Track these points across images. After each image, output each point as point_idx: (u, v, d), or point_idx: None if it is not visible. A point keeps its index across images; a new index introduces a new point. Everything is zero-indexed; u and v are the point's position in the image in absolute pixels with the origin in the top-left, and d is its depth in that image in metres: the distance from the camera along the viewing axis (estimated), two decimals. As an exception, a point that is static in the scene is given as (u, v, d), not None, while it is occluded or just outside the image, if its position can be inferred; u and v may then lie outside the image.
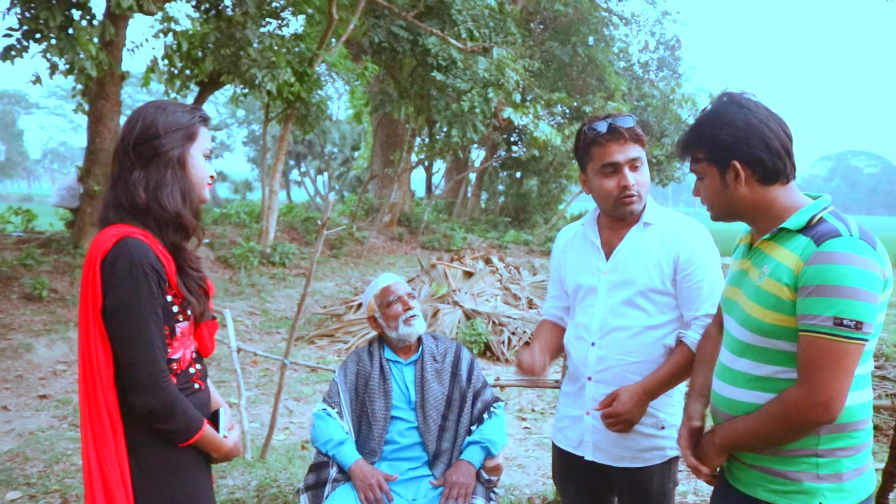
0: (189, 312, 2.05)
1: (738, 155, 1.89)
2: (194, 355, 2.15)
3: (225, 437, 2.18)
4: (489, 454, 3.16)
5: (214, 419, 2.20)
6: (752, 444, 1.92)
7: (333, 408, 3.21)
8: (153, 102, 2.08)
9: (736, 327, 1.98)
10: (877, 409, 5.25)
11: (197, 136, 2.08)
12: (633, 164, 2.48)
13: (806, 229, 1.84)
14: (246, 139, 47.07)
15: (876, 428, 5.36)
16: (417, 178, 29.66)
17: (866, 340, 1.75)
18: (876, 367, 7.10)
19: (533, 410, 6.79)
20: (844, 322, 1.71)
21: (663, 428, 2.49)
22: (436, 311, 9.31)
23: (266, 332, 10.03)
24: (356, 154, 35.63)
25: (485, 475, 3.15)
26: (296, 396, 7.19)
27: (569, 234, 2.79)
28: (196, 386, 2.14)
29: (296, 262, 14.74)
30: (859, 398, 1.86)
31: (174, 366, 2.04)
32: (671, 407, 2.51)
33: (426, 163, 25.20)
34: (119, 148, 2.02)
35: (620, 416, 2.41)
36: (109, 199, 2.02)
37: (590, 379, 2.58)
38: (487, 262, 11.47)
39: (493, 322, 9.21)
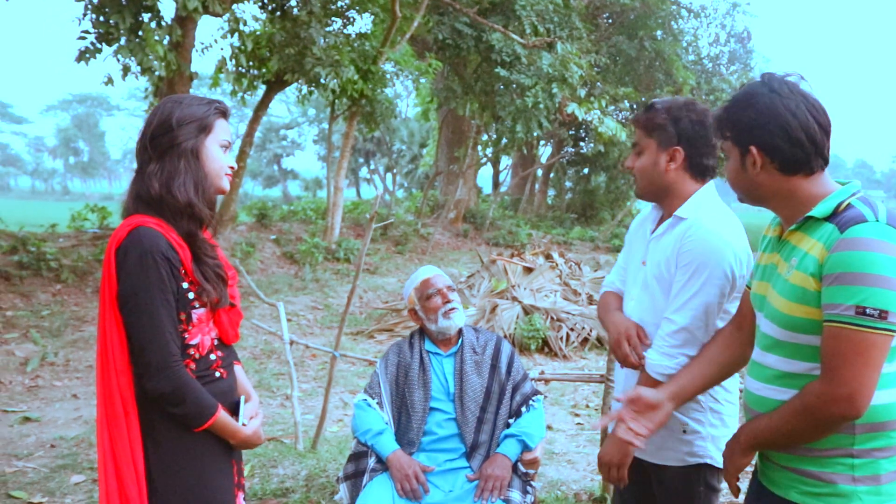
0: (205, 299, 2.09)
1: (756, 140, 1.83)
2: (216, 342, 2.19)
3: (244, 424, 2.21)
4: (526, 447, 3.16)
5: (235, 408, 2.23)
6: (774, 442, 1.86)
7: (374, 398, 3.26)
8: (172, 97, 2.15)
9: (765, 323, 1.91)
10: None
11: (213, 128, 2.13)
12: (635, 149, 2.48)
13: (832, 216, 1.75)
14: (316, 137, 47.89)
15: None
16: (484, 174, 29.70)
17: (893, 331, 1.65)
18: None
19: (587, 406, 6.74)
20: (868, 311, 1.63)
21: (685, 432, 2.41)
22: (494, 307, 9.30)
23: (327, 327, 10.17)
24: (424, 151, 35.81)
25: (522, 468, 3.15)
26: (352, 389, 7.28)
27: (646, 211, 2.67)
28: (217, 374, 2.18)
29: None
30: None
31: (192, 351, 2.09)
32: (695, 412, 2.41)
33: (493, 159, 25.18)
34: (138, 142, 2.10)
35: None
36: (130, 191, 2.10)
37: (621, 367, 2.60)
38: (548, 257, 11.40)
39: (552, 318, 9.15)
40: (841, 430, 1.75)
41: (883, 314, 1.63)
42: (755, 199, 1.94)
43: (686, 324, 2.29)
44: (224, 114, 2.18)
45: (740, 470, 1.97)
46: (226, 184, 2.19)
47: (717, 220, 2.33)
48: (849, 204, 1.76)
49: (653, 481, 2.57)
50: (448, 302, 3.27)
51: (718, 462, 2.39)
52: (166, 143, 2.06)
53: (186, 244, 2.08)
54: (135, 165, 2.14)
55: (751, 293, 2.06)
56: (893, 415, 1.75)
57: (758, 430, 1.89)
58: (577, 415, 6.51)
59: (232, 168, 2.20)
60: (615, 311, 2.62)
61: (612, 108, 20.50)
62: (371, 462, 3.17)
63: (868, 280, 1.63)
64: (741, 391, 2.13)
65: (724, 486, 2.39)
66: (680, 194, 2.40)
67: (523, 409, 3.24)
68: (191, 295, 2.06)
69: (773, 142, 1.80)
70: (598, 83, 18.73)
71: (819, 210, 1.78)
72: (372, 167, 40.38)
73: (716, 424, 2.42)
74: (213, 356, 2.17)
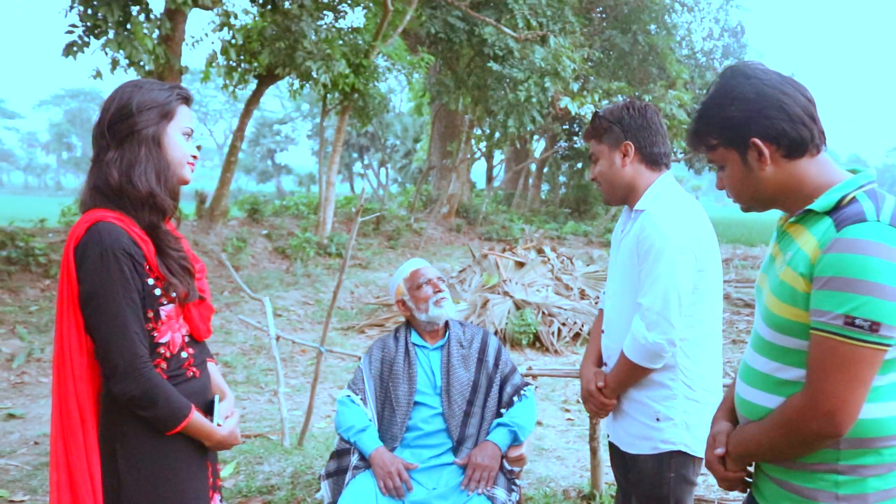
0: (173, 294, 2.00)
1: (756, 131, 1.66)
2: (187, 339, 2.10)
3: (219, 425, 2.12)
4: (516, 439, 3.12)
5: (210, 407, 2.15)
6: (759, 454, 1.74)
7: (357, 394, 3.21)
8: (131, 81, 2.03)
9: (758, 321, 1.77)
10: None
11: (174, 115, 2.02)
12: (592, 159, 2.62)
13: (834, 211, 1.59)
14: (310, 132, 47.74)
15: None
16: (478, 169, 29.65)
17: (886, 346, 1.50)
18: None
19: (578, 402, 6.69)
20: (857, 322, 1.47)
21: (659, 420, 2.43)
22: (485, 302, 9.26)
23: (318, 322, 10.12)
24: (418, 146, 35.78)
25: (507, 465, 3.11)
26: (340, 385, 7.23)
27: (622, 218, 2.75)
28: (189, 373, 2.09)
29: (352, 252, 14.87)
30: (888, 410, 1.59)
31: (163, 350, 2.00)
32: (668, 400, 2.43)
33: (486, 154, 25.15)
34: (95, 129, 1.99)
35: (596, 399, 2.59)
36: (88, 183, 1.99)
37: (605, 364, 2.66)
38: (540, 252, 11.36)
39: (543, 312, 9.11)
40: (826, 444, 1.61)
41: (874, 326, 1.47)
42: (763, 202, 1.78)
43: (651, 305, 2.34)
44: (187, 100, 2.08)
45: (734, 479, 1.84)
46: (188, 173, 2.08)
47: (673, 208, 2.41)
48: (853, 198, 1.59)
49: (629, 468, 2.61)
50: (439, 291, 3.25)
51: (693, 450, 2.43)
52: (125, 129, 1.95)
53: (149, 237, 1.98)
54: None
55: (755, 285, 1.91)
56: (884, 431, 1.59)
57: (743, 440, 1.77)
58: (567, 410, 6.47)
59: (195, 157, 2.10)
60: (588, 355, 2.76)
61: (606, 102, 20.39)
62: (354, 459, 3.13)
63: (861, 287, 1.47)
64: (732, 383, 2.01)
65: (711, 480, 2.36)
66: (640, 188, 2.51)
67: (515, 398, 3.21)
68: (157, 291, 1.97)
69: (775, 125, 1.65)
70: (592, 77, 18.71)
71: (820, 203, 1.63)
72: (366, 162, 40.32)
73: (690, 412, 2.43)
74: (184, 354, 2.07)
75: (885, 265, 1.47)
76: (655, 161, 2.50)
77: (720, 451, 1.82)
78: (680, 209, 2.41)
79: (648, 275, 2.36)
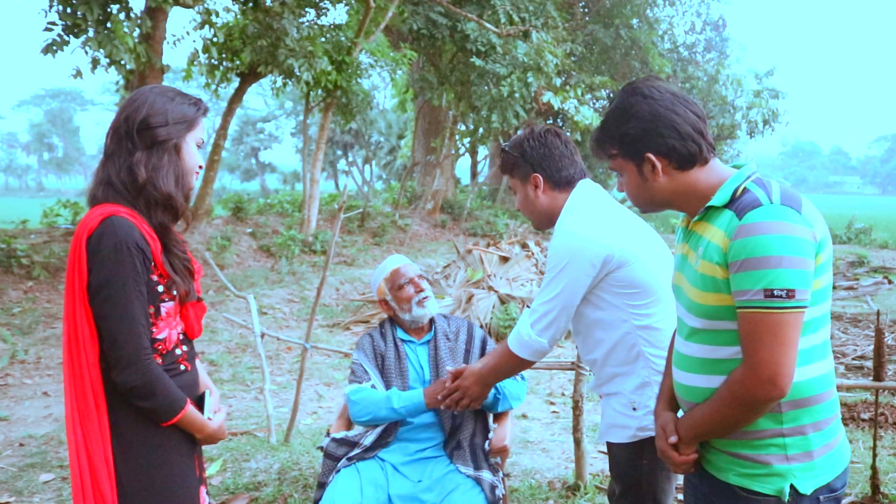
0: (174, 292, 2.08)
1: (650, 147, 1.87)
2: (181, 336, 2.17)
3: (209, 419, 2.20)
4: (506, 405, 3.17)
5: (200, 402, 2.22)
6: (712, 431, 1.87)
7: (365, 383, 3.20)
8: (157, 88, 2.12)
9: (684, 313, 1.95)
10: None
11: (195, 127, 2.14)
12: (512, 191, 2.75)
13: (731, 203, 1.80)
14: (294, 130, 47.61)
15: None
16: (462, 165, 29.65)
17: (803, 308, 1.69)
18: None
19: (563, 394, 6.74)
20: (776, 292, 1.66)
21: (635, 409, 2.48)
22: (470, 297, 9.29)
23: (303, 319, 10.11)
24: (402, 142, 35.70)
25: (490, 458, 3.13)
26: (327, 381, 7.25)
27: None
28: (182, 367, 2.16)
29: (337, 249, 14.85)
30: (816, 370, 1.80)
31: (160, 346, 2.06)
32: (642, 388, 2.48)
33: (470, 149, 25.14)
34: (120, 127, 2.05)
35: (456, 393, 2.81)
36: (101, 178, 2.06)
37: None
38: (524, 246, 11.40)
39: (528, 307, 9.14)
40: (769, 411, 1.78)
41: (790, 293, 1.66)
42: (659, 205, 1.98)
43: (537, 305, 2.48)
44: (206, 113, 2.21)
45: (689, 462, 1.96)
46: (194, 180, 2.20)
47: (577, 220, 2.48)
48: (745, 188, 1.79)
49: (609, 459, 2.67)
50: (421, 290, 3.26)
51: None
52: (157, 137, 2.04)
53: (157, 236, 2.06)
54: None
55: (672, 284, 2.10)
56: (815, 390, 1.80)
57: (695, 422, 1.90)
58: (552, 403, 6.52)
59: (201, 166, 2.21)
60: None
61: (589, 96, 20.48)
62: (355, 451, 3.14)
63: (771, 262, 1.66)
64: None
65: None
66: (558, 210, 2.60)
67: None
68: (160, 288, 2.04)
69: (667, 143, 1.85)
70: (574, 72, 18.73)
71: (717, 199, 1.82)
72: (350, 159, 40.16)
73: None
74: (178, 351, 2.15)
75: (787, 239, 1.67)
76: (567, 183, 2.60)
77: (674, 438, 1.97)
78: (585, 221, 2.46)
79: (544, 282, 2.48)
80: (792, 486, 1.78)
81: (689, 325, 1.93)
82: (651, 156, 1.87)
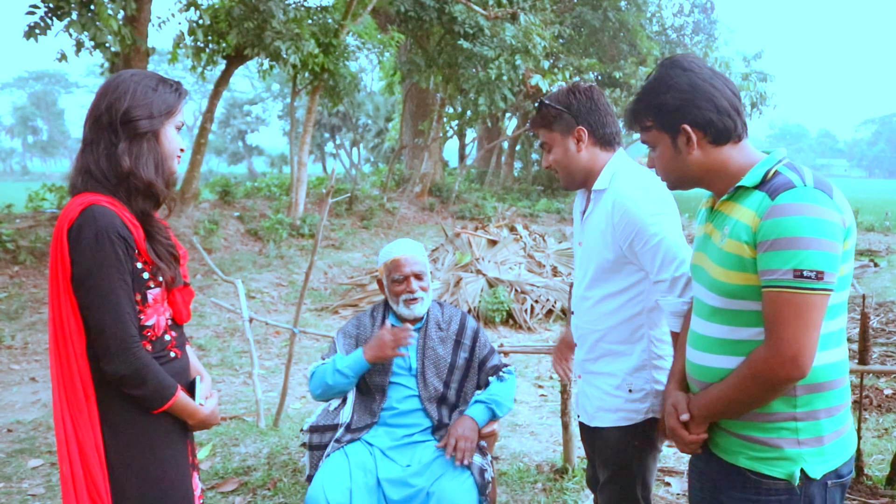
0: (160, 279, 2.07)
1: (687, 118, 1.87)
2: (170, 322, 2.17)
3: (201, 405, 2.20)
4: (494, 415, 3.15)
5: (191, 387, 2.21)
6: (728, 411, 1.88)
7: (327, 360, 3.22)
8: (138, 76, 2.09)
9: (704, 292, 1.95)
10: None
11: (175, 112, 2.12)
12: (544, 148, 2.60)
13: (762, 184, 1.80)
14: (281, 113, 47.32)
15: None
16: (450, 148, 29.60)
17: (830, 290, 1.71)
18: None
19: (551, 378, 6.77)
20: (805, 273, 1.67)
21: (631, 391, 2.47)
22: (458, 280, 9.31)
23: (291, 304, 10.10)
24: (390, 125, 35.58)
25: (480, 442, 3.14)
26: (316, 366, 7.25)
27: (579, 197, 2.76)
28: (172, 354, 2.16)
29: (325, 233, 14.82)
30: (833, 356, 1.81)
31: (149, 333, 2.06)
32: (639, 370, 2.48)
33: (458, 132, 25.08)
34: (101, 117, 2.03)
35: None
36: (80, 166, 2.04)
37: (575, 346, 2.72)
38: (512, 230, 11.42)
39: (516, 290, 9.18)
40: (783, 395, 1.79)
41: (819, 275, 1.67)
42: (690, 181, 1.98)
43: (673, 274, 2.31)
44: (185, 96, 2.18)
45: (698, 442, 1.97)
46: (176, 165, 2.17)
47: (638, 183, 2.43)
48: (776, 171, 1.81)
49: (595, 438, 2.64)
50: (411, 292, 3.21)
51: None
52: (141, 128, 2.03)
53: (140, 223, 2.04)
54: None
55: (691, 264, 2.09)
56: (830, 375, 1.81)
57: (710, 401, 1.90)
58: (540, 386, 6.55)
59: (181, 150, 2.18)
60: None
61: (577, 79, 20.44)
62: (340, 432, 3.15)
63: (802, 244, 1.67)
64: None
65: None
66: (597, 170, 2.52)
67: (493, 379, 3.23)
68: (145, 275, 2.03)
69: (704, 115, 1.85)
70: (562, 54, 18.73)
71: (749, 179, 1.83)
72: (338, 142, 40.02)
73: (660, 380, 2.47)
74: (167, 336, 2.14)
75: (819, 222, 1.68)
76: (609, 142, 2.53)
77: (685, 416, 1.97)
78: (644, 182, 2.43)
79: (650, 252, 2.34)
80: (802, 471, 1.80)
81: (709, 304, 1.93)
82: (687, 127, 1.87)
